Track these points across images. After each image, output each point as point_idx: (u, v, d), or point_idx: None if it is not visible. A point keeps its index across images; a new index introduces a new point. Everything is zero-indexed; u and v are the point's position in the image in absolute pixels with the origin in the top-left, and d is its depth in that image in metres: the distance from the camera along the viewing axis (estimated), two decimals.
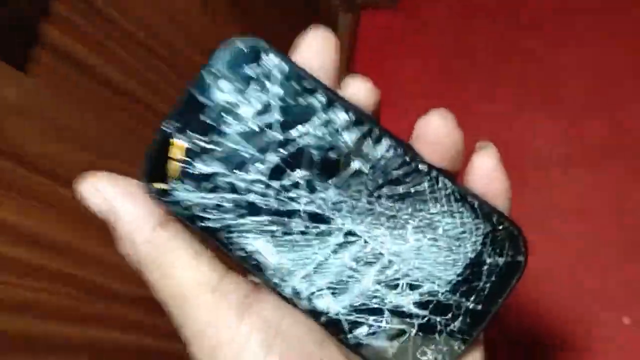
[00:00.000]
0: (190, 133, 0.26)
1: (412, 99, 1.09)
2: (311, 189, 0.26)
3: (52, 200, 0.50)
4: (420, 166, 0.26)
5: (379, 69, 1.21)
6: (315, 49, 0.26)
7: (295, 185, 0.26)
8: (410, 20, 1.22)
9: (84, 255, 0.55)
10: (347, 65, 1.24)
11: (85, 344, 0.56)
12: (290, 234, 0.26)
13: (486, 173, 0.26)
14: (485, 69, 1.10)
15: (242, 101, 0.25)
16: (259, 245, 0.26)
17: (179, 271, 0.25)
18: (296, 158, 0.26)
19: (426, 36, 1.19)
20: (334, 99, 0.25)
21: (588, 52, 1.05)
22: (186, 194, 0.26)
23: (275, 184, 0.26)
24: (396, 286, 0.26)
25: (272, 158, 0.26)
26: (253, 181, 0.26)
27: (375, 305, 0.26)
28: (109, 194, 0.26)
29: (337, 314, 0.26)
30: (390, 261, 0.26)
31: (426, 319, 0.26)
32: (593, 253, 0.92)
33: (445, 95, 1.12)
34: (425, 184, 0.26)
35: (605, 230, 0.93)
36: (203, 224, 0.26)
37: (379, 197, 0.26)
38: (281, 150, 0.26)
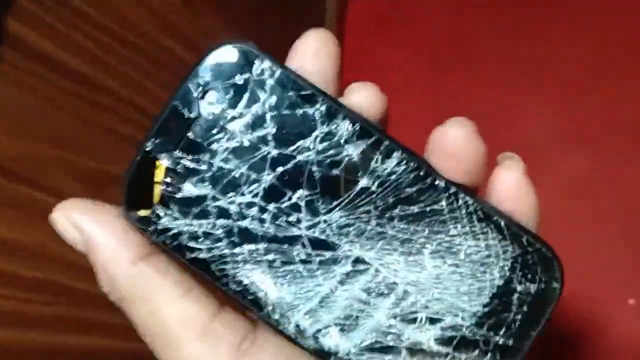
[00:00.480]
0: (175, 152, 0.22)
1: (401, 88, 1.07)
2: (313, 211, 0.23)
3: (17, 202, 0.47)
4: (437, 182, 0.23)
5: (367, 58, 1.18)
6: (314, 53, 0.23)
7: (295, 207, 0.23)
8: (400, 8, 1.20)
9: (64, 261, 0.52)
10: None
11: (67, 352, 0.54)
12: (290, 263, 0.23)
13: (511, 188, 0.23)
14: (474, 55, 1.09)
15: (232, 114, 0.22)
16: (255, 277, 0.23)
17: (163, 310, 0.22)
18: (295, 176, 0.23)
19: (415, 25, 1.17)
20: (335, 109, 0.22)
21: (579, 33, 1.04)
22: (171, 221, 0.23)
23: (272, 206, 0.23)
24: (414, 320, 0.23)
25: (268, 177, 0.22)
26: (247, 204, 0.23)
27: (391, 343, 0.23)
28: (84, 224, 0.23)
29: (347, 354, 0.23)
30: (405, 292, 0.23)
31: (450, 357, 0.23)
32: (594, 234, 0.91)
33: (434, 83, 1.09)
34: (443, 202, 0.23)
35: (605, 210, 0.92)
36: (191, 255, 0.23)
37: (391, 218, 0.23)
38: (278, 168, 0.22)
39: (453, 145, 0.22)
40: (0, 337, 0.46)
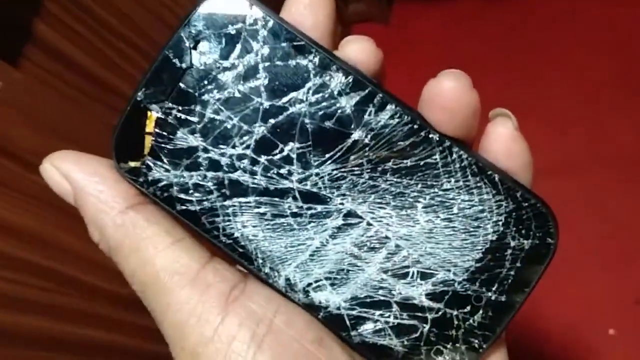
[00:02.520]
0: (166, 103, 0.22)
1: None
2: (305, 163, 0.22)
3: (40, 195, 0.48)
4: (431, 135, 0.22)
5: None
6: (307, 4, 0.22)
7: (287, 159, 0.22)
8: (401, 35, 1.21)
9: (68, 250, 0.53)
10: None
11: (68, 340, 0.54)
12: (281, 216, 0.23)
13: (505, 144, 0.23)
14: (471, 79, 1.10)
15: (224, 65, 0.22)
16: (246, 230, 0.23)
17: (153, 259, 0.22)
18: (287, 128, 0.22)
19: (415, 50, 1.19)
20: (329, 60, 0.22)
21: (573, 65, 1.05)
22: (162, 173, 0.22)
23: (263, 158, 0.22)
24: (405, 275, 0.23)
25: (260, 129, 0.22)
26: (238, 156, 0.22)
27: (382, 298, 0.23)
28: (74, 175, 0.22)
29: (337, 309, 0.23)
30: (397, 246, 0.23)
31: (441, 312, 0.23)
32: (576, 263, 0.90)
33: None
34: (437, 156, 0.22)
35: (588, 240, 0.92)
36: (182, 207, 0.23)
37: (384, 171, 0.22)
38: (269, 119, 0.22)
39: (447, 97, 0.22)
40: (9, 321, 0.47)
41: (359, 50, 0.23)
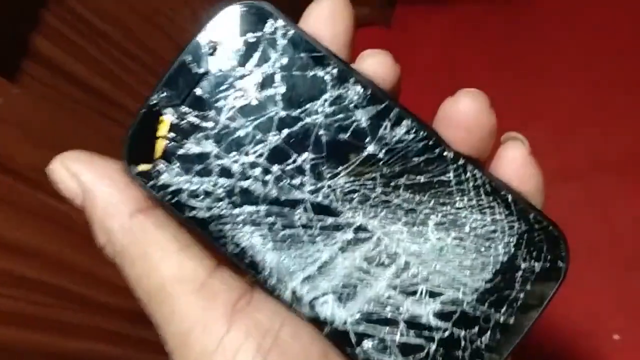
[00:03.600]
0: (180, 107, 0.22)
1: None
2: (317, 175, 0.22)
3: (39, 210, 0.48)
4: (446, 152, 0.22)
5: None
6: (327, 16, 0.22)
7: (299, 170, 0.22)
8: (403, 38, 1.22)
9: (72, 266, 0.52)
10: None
11: (73, 356, 0.54)
12: (291, 227, 0.22)
13: (517, 167, 0.23)
14: (471, 86, 1.10)
15: (242, 72, 0.22)
16: (254, 239, 0.22)
17: (159, 265, 0.21)
18: (301, 139, 0.22)
19: (416, 53, 1.19)
20: (347, 73, 0.22)
21: (576, 68, 1.05)
22: (172, 178, 0.22)
23: (276, 168, 0.22)
24: (414, 293, 0.22)
25: (274, 138, 0.22)
26: (250, 164, 0.22)
27: (389, 315, 0.22)
28: (83, 176, 0.22)
29: (343, 324, 0.22)
30: (407, 263, 0.22)
31: (448, 332, 0.22)
32: (580, 268, 0.90)
33: (434, 109, 1.10)
34: (451, 174, 0.22)
35: (592, 244, 0.92)
36: (190, 213, 0.22)
37: (396, 187, 0.22)
38: (284, 129, 0.22)
39: (464, 117, 0.22)
40: (14, 337, 0.47)
41: (377, 64, 0.23)
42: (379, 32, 1.25)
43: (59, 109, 0.53)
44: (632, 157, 0.96)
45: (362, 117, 0.22)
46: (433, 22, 1.22)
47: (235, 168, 0.22)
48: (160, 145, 0.22)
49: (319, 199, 0.22)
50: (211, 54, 0.22)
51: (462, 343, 0.22)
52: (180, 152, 0.22)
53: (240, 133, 0.22)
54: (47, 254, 0.49)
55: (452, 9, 1.17)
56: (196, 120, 0.22)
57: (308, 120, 0.22)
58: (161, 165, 0.22)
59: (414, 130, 0.22)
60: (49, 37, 0.51)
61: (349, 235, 0.22)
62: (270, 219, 0.22)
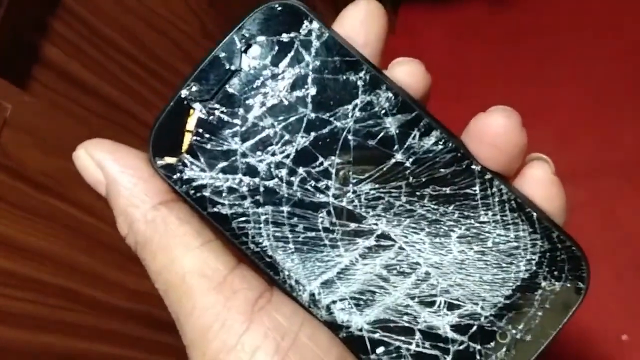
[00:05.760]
0: (210, 102, 0.22)
1: None
2: (343, 179, 0.22)
3: (51, 216, 0.49)
4: (473, 166, 0.22)
5: None
6: (361, 22, 0.22)
7: (325, 173, 0.22)
8: (407, 42, 1.22)
9: (83, 269, 0.53)
10: None
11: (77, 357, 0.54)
12: (313, 230, 0.22)
13: (542, 188, 0.23)
14: (476, 90, 1.10)
15: (274, 71, 0.22)
16: (275, 240, 0.22)
17: (181, 258, 0.21)
18: (329, 142, 0.22)
19: (420, 57, 1.19)
20: (379, 79, 0.22)
21: (580, 71, 1.05)
22: (197, 173, 0.22)
23: (302, 169, 0.22)
24: (432, 304, 0.22)
25: (301, 140, 0.22)
26: (276, 164, 0.22)
27: (406, 324, 0.22)
28: (108, 165, 0.22)
29: (359, 330, 0.22)
30: (427, 273, 0.22)
31: (464, 346, 0.22)
32: (590, 270, 0.90)
33: (439, 113, 1.10)
34: (477, 187, 0.22)
35: (599, 247, 0.92)
36: (213, 209, 0.22)
37: (421, 197, 0.22)
38: (312, 131, 0.22)
39: (496, 134, 0.22)
40: (27, 340, 0.47)
41: (409, 72, 0.23)
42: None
43: (69, 116, 0.54)
44: (639, 158, 0.96)
45: (391, 125, 0.22)
46: (437, 25, 1.22)
47: (261, 167, 0.22)
48: (187, 140, 0.22)
49: (343, 203, 0.22)
50: (244, 52, 0.22)
51: (477, 357, 0.22)
52: (207, 147, 0.22)
53: (268, 132, 0.22)
54: (59, 257, 0.50)
55: (455, 12, 1.17)
56: (225, 117, 0.22)
57: (337, 124, 0.22)
58: (186, 159, 0.22)
59: (442, 142, 0.22)
60: (59, 45, 0.52)
61: (371, 242, 0.22)
62: (293, 221, 0.22)
